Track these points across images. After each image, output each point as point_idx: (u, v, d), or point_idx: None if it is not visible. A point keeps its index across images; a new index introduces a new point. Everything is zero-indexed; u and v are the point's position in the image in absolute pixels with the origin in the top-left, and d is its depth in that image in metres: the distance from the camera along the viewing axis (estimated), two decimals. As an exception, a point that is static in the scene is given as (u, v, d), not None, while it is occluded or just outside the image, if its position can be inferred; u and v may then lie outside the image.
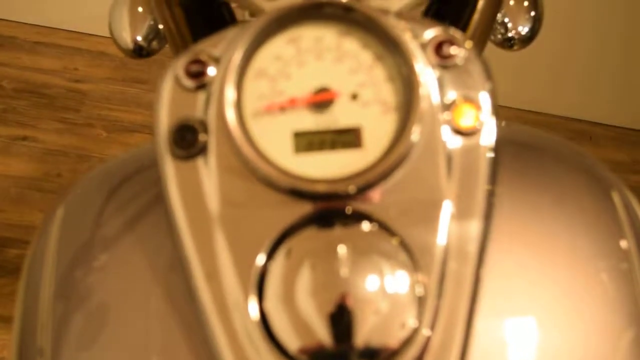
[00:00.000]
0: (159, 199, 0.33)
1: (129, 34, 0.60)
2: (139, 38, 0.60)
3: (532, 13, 0.62)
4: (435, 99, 0.32)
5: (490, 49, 0.63)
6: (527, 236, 0.36)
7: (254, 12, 0.43)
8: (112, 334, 0.32)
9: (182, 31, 0.51)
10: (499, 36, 0.63)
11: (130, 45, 0.61)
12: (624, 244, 0.37)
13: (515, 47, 0.63)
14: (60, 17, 2.02)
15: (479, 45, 0.54)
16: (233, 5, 0.61)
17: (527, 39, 0.63)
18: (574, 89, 2.17)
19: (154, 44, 0.61)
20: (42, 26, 2.02)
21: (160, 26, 0.58)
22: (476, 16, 0.48)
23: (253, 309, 0.29)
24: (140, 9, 0.61)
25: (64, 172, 1.67)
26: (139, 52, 0.62)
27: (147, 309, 0.32)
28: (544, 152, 0.41)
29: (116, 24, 0.61)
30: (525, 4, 0.62)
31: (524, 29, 0.62)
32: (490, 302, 0.32)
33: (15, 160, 1.68)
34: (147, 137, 1.82)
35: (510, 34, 0.62)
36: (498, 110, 0.34)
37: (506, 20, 0.62)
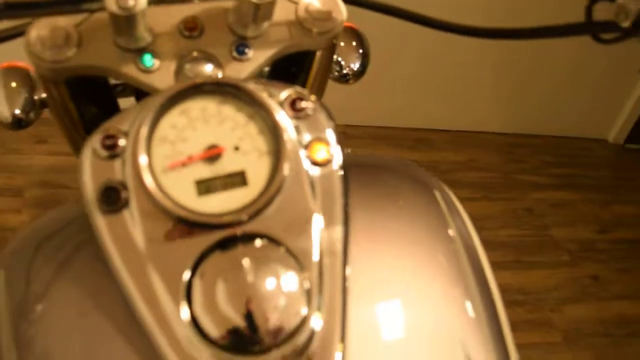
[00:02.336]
0: (92, 246, 0.41)
1: (7, 109, 0.65)
2: (17, 111, 0.66)
3: (360, 50, 0.74)
4: (296, 143, 0.43)
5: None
6: (376, 234, 0.47)
7: (136, 87, 0.52)
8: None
9: (65, 103, 0.58)
10: (336, 74, 0.74)
11: (9, 119, 0.66)
12: (449, 230, 0.50)
13: (350, 82, 0.75)
14: None
15: (321, 87, 0.65)
16: (112, 80, 0.69)
17: (360, 73, 0.74)
18: (410, 101, 2.40)
19: (32, 115, 0.67)
20: None
21: (36, 97, 0.65)
22: (315, 66, 0.60)
23: (185, 314, 0.39)
24: (13, 84, 0.66)
25: None
26: (19, 124, 0.67)
27: (100, 337, 0.41)
28: (382, 169, 0.54)
29: None
30: (354, 44, 0.73)
31: (355, 65, 0.73)
32: (357, 289, 0.44)
33: None
34: (9, 200, 1.79)
35: (345, 71, 0.73)
36: (343, 142, 0.46)
37: (340, 59, 0.73)
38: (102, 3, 0.44)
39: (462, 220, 0.53)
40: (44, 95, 0.63)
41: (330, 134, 0.45)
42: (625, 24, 0.46)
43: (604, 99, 2.64)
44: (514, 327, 1.59)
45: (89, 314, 0.41)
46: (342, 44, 0.71)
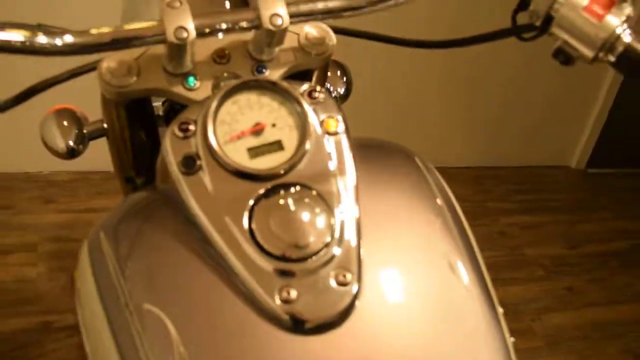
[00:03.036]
0: (171, 207, 0.58)
1: (62, 142, 0.82)
2: (71, 143, 0.82)
3: (344, 79, 0.93)
4: (314, 120, 0.61)
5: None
6: (374, 189, 0.64)
7: (182, 102, 0.69)
8: (177, 280, 0.56)
9: (122, 125, 0.76)
10: (326, 98, 0.93)
11: (64, 149, 0.82)
12: (433, 193, 0.67)
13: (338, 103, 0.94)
14: None
15: None
16: (156, 103, 0.87)
17: (345, 97, 0.93)
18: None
19: (81, 147, 0.84)
20: None
21: (85, 131, 0.81)
22: (314, 82, 0.78)
23: (246, 223, 0.55)
24: (65, 123, 0.83)
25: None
26: (72, 153, 0.83)
27: (190, 261, 0.57)
28: (375, 146, 0.71)
29: (49, 136, 0.82)
30: (339, 73, 0.92)
31: (341, 90, 0.92)
32: (365, 221, 0.60)
33: None
34: (24, 255, 1.94)
35: (333, 95, 0.92)
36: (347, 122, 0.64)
37: (329, 86, 0.92)
38: (163, 37, 0.62)
39: (439, 179, 0.70)
40: (92, 128, 0.80)
41: (338, 115, 0.63)
42: (538, 24, 0.66)
43: (563, 127, 2.87)
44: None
45: (175, 250, 0.58)
46: (329, 74, 0.90)
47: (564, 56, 0.65)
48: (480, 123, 2.77)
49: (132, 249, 0.59)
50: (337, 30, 0.75)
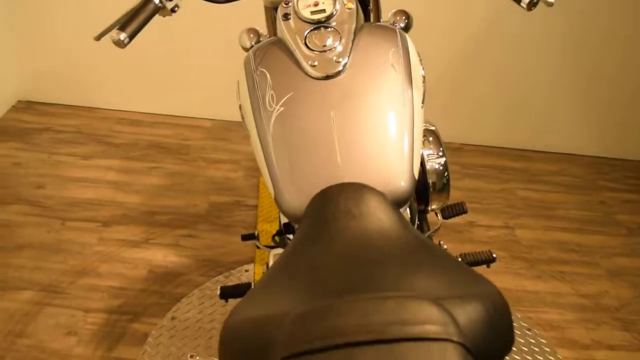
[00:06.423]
0: (279, 40, 1.38)
1: (248, 43, 1.66)
2: (253, 43, 1.66)
3: (406, 20, 1.66)
4: (340, 2, 1.38)
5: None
6: (366, 34, 1.38)
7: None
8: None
9: (273, 19, 1.57)
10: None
11: (248, 46, 1.66)
12: (397, 43, 1.40)
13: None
14: (166, 106, 3.17)
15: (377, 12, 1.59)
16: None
17: (406, 29, 1.66)
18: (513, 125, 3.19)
19: (255, 45, 1.67)
20: (155, 114, 3.16)
21: (261, 38, 1.64)
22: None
23: (304, 37, 1.33)
24: (251, 35, 1.67)
25: (185, 182, 2.73)
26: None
27: (280, 53, 1.36)
28: (377, 25, 1.45)
29: (242, 40, 1.65)
30: (404, 16, 1.66)
31: (402, 25, 1.64)
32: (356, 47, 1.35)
33: (155, 178, 2.75)
34: (232, 165, 2.88)
35: (397, 26, 1.66)
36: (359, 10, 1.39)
37: (396, 23, 1.66)
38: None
39: (406, 41, 1.42)
40: (263, 38, 1.62)
41: (353, 2, 1.39)
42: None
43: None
44: (565, 263, 2.59)
45: (275, 50, 1.37)
46: (397, 16, 1.65)
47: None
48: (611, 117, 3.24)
49: (260, 54, 1.40)
50: None
